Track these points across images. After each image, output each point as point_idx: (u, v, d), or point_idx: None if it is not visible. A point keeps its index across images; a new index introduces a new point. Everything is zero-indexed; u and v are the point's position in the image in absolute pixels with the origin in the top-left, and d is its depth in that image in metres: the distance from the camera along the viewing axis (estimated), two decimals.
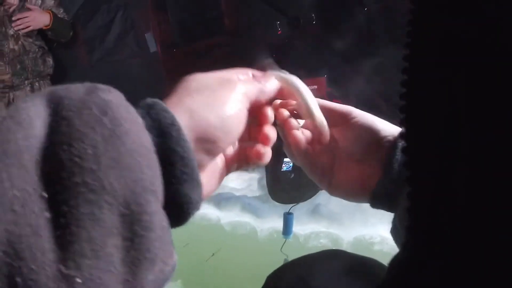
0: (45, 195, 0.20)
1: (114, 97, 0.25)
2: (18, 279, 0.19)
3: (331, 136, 0.47)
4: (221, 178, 0.37)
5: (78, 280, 0.20)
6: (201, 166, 0.30)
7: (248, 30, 2.98)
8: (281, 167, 2.19)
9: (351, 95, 2.77)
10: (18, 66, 2.14)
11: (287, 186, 2.16)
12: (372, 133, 0.46)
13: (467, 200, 0.21)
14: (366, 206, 1.77)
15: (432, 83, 0.22)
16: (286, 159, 2.20)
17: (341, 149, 0.48)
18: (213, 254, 2.05)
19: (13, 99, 2.13)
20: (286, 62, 2.81)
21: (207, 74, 0.34)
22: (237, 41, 2.91)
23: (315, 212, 2.12)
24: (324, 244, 2.02)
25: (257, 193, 2.47)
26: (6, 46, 2.10)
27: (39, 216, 0.20)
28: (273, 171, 2.22)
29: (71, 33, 2.41)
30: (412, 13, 0.23)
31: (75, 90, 0.24)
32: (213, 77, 0.34)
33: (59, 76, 2.43)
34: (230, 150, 0.38)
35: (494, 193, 0.20)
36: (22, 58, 2.16)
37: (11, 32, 2.11)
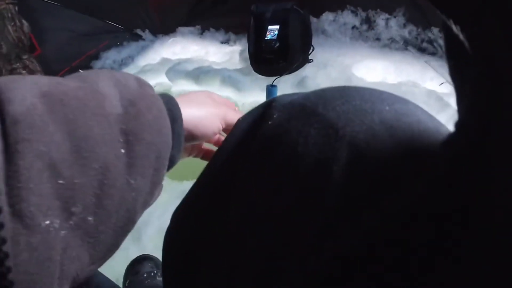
0: (121, 140, 0.36)
1: (153, 92, 0.42)
2: (105, 181, 0.34)
3: None
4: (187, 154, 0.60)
5: (134, 186, 0.37)
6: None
7: None
8: (265, 35, 1.96)
9: None
10: None
11: (271, 57, 1.95)
12: None
13: None
14: (357, 83, 1.57)
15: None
16: (271, 26, 1.96)
17: None
18: None
19: None
20: None
21: (207, 94, 0.54)
22: None
23: (301, 86, 1.94)
24: None
25: (239, 66, 2.25)
26: None
27: (118, 151, 0.35)
28: (255, 40, 1.99)
29: None
30: None
31: (130, 80, 0.41)
32: (209, 97, 0.54)
33: None
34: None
35: None
36: None
37: None
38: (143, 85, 0.41)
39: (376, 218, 0.25)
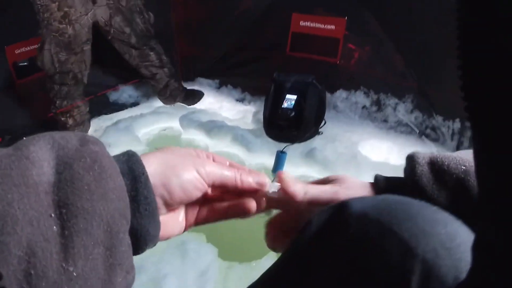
0: (53, 215, 0.29)
1: (100, 149, 0.34)
2: (32, 271, 0.27)
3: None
4: (179, 230, 0.46)
5: (74, 274, 0.29)
6: (161, 212, 0.40)
7: None
8: (282, 103, 2.06)
9: (366, 45, 2.62)
10: None
11: (285, 124, 2.04)
12: None
13: None
14: (362, 161, 1.63)
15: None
16: (288, 96, 2.07)
17: None
18: None
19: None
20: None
21: (185, 149, 0.45)
22: None
23: (309, 156, 2.01)
24: None
25: (251, 127, 2.34)
26: None
27: (49, 229, 0.29)
28: (272, 105, 2.09)
29: None
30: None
31: (71, 140, 0.33)
32: (188, 152, 0.45)
33: None
34: (194, 212, 0.47)
35: None
36: None
37: None
38: (87, 142, 0.34)
39: None
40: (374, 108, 2.55)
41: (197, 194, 0.42)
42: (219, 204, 0.48)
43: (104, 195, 0.32)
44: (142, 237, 0.37)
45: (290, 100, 2.06)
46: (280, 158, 1.90)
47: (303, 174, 1.97)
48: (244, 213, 0.47)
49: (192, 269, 1.41)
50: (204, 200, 0.47)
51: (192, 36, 2.90)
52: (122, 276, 0.33)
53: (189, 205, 0.46)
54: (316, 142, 2.11)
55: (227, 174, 0.44)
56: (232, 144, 2.15)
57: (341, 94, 2.53)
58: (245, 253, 1.53)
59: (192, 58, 2.92)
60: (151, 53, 2.43)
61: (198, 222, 0.48)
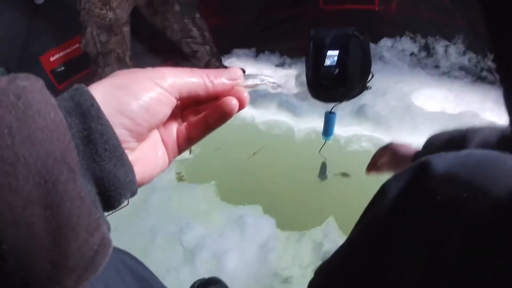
0: None
1: (30, 83, 0.27)
2: None
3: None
4: (162, 164, 0.39)
5: (4, 246, 0.23)
6: (128, 148, 0.33)
7: None
8: (323, 61, 1.95)
9: None
10: None
11: (330, 83, 1.93)
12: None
13: None
14: (417, 113, 1.54)
15: None
16: (329, 52, 1.95)
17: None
18: (254, 154, 1.91)
19: None
20: None
21: (134, 69, 0.36)
22: None
23: (359, 114, 1.91)
24: (366, 148, 1.84)
25: (295, 90, 2.25)
26: None
27: None
28: (314, 65, 1.99)
29: None
30: None
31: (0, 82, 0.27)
32: (138, 69, 0.36)
33: None
34: (172, 136, 0.40)
35: None
36: None
37: None
38: (15, 79, 0.27)
39: None
40: (423, 54, 2.38)
41: (165, 110, 0.36)
42: (197, 117, 0.40)
43: (30, 137, 0.25)
44: (111, 187, 0.30)
45: (331, 56, 1.95)
46: (329, 119, 1.81)
47: (355, 133, 1.88)
48: (226, 113, 0.39)
49: (252, 242, 1.39)
50: (179, 122, 0.41)
51: (218, 5, 2.82)
52: (81, 241, 0.26)
53: (164, 132, 0.39)
54: (365, 98, 2.00)
55: (193, 80, 0.37)
56: (278, 111, 2.08)
57: (385, 42, 2.37)
58: (303, 221, 1.49)
59: (222, 29, 2.84)
60: (194, 28, 2.40)
61: (181, 146, 0.41)
